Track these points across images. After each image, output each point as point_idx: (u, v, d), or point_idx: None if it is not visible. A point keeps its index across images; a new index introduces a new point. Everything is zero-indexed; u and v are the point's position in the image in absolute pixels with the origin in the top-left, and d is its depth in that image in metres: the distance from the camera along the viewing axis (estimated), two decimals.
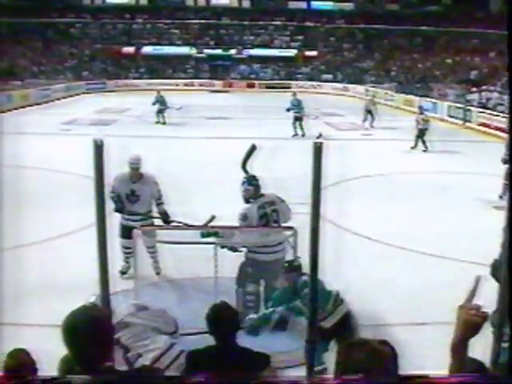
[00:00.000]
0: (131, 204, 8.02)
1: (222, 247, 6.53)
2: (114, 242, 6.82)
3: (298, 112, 22.06)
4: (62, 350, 2.56)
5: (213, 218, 7.14)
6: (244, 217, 6.69)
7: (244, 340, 3.78)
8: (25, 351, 3.38)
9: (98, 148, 2.86)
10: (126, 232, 7.58)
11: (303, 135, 21.41)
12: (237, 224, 6.68)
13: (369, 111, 25.70)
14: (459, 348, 2.42)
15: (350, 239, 9.53)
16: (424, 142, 19.50)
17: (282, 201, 6.93)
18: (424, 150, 19.33)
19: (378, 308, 7.10)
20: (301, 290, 5.34)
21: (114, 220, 7.66)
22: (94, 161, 2.86)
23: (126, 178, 8.06)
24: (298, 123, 21.94)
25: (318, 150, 2.79)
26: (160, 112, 25.46)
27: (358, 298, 7.31)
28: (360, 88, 44.27)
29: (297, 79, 50.76)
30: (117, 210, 7.94)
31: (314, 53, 53.83)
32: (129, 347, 4.09)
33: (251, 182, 6.89)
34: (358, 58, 52.37)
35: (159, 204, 8.22)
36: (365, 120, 25.72)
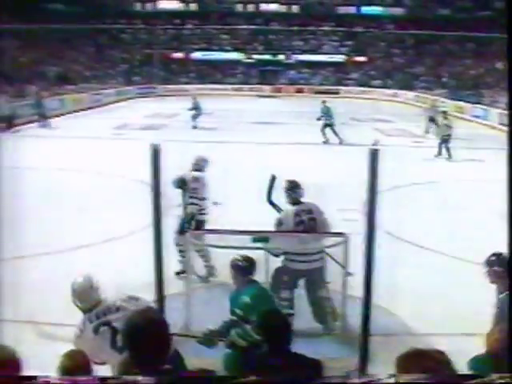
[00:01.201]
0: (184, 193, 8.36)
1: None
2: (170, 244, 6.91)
3: (327, 119, 21.82)
4: None
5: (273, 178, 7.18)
6: (279, 222, 6.69)
7: (296, 346, 3.75)
8: (81, 352, 3.44)
9: (156, 152, 2.91)
10: (183, 224, 7.77)
11: (341, 142, 21.19)
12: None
13: (432, 120, 23.76)
14: None
15: (402, 247, 9.41)
16: (448, 149, 18.71)
17: (322, 212, 6.84)
18: (447, 158, 18.56)
19: (429, 317, 7.00)
20: (247, 311, 5.06)
21: (170, 221, 7.67)
22: (151, 164, 2.91)
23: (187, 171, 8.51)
24: (327, 130, 21.65)
25: (373, 156, 2.78)
26: (195, 117, 25.94)
27: (409, 307, 7.26)
28: (410, 94, 43.82)
29: (346, 85, 50.57)
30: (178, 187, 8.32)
31: (363, 58, 53.53)
32: (118, 330, 4.20)
33: (286, 188, 6.93)
34: (408, 64, 51.82)
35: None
36: (428, 130, 24.11)
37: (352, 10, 56.64)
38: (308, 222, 6.69)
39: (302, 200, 6.89)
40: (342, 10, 56.65)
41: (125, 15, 55.60)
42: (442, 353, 2.47)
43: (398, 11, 56.22)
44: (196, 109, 26.08)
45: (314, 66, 53.36)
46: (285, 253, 6.62)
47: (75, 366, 3.26)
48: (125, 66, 51.05)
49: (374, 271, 3.07)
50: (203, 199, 8.37)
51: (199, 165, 8.53)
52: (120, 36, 55.06)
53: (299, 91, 49.75)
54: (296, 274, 6.55)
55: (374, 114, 33.21)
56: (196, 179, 8.36)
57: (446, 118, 19.73)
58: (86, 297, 4.52)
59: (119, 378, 2.63)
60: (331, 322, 6.65)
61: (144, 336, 2.38)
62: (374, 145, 13.41)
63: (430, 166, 17.36)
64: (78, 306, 4.58)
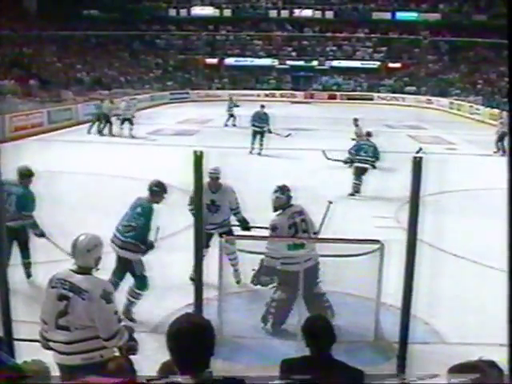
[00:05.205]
0: (211, 214, 8.11)
1: None
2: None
3: (259, 127, 20.54)
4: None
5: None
6: (274, 228, 6.72)
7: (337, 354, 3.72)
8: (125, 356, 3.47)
9: (198, 158, 2.94)
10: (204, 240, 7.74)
11: (259, 152, 20.28)
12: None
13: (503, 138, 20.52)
14: None
15: (436, 255, 9.31)
16: (503, 146, 19.89)
17: (307, 213, 6.95)
18: (502, 155, 19.50)
19: (466, 327, 6.92)
20: None
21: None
22: (193, 171, 2.94)
23: (205, 189, 8.20)
24: (258, 138, 20.44)
25: (417, 165, 2.77)
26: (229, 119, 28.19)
27: (445, 316, 7.18)
28: (444, 101, 43.47)
29: (379, 91, 50.40)
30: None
31: (397, 64, 53.23)
32: (68, 315, 4.13)
33: (284, 191, 6.93)
34: (442, 70, 51.39)
35: (237, 213, 8.38)
36: (499, 149, 20.92)
37: (387, 15, 56.18)
38: (300, 224, 6.76)
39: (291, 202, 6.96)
40: (377, 15, 56.27)
41: (159, 21, 56.02)
42: (493, 365, 2.46)
43: (433, 17, 55.64)
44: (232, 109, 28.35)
45: (347, 72, 53.24)
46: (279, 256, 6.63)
47: (118, 369, 3.29)
48: (159, 71, 51.48)
49: (413, 279, 3.05)
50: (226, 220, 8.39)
51: (218, 175, 8.28)
52: (154, 42, 55.55)
53: (332, 97, 49.63)
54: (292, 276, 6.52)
55: (408, 120, 32.99)
56: (234, 191, 8.31)
57: (501, 117, 21.40)
58: (77, 257, 4.29)
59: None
60: (330, 317, 6.59)
61: (189, 340, 2.40)
62: (417, 152, 13.23)
63: (459, 174, 17.04)
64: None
